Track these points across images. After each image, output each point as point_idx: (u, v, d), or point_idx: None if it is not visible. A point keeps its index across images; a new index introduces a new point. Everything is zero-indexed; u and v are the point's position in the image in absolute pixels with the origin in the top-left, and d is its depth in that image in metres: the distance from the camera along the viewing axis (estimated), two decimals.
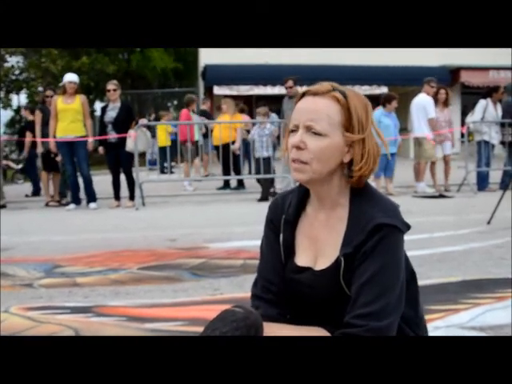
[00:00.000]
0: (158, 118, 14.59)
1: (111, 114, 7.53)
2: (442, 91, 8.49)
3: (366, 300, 1.24)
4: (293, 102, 6.14)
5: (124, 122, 7.50)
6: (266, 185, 8.01)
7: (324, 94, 1.31)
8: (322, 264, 1.35)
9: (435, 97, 8.38)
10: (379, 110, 8.41)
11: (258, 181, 8.27)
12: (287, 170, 8.18)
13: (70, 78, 7.43)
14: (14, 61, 20.30)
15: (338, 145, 1.30)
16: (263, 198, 7.77)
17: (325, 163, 1.30)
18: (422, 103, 8.25)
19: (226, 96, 12.63)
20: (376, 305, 1.23)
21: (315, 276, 1.35)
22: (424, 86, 8.40)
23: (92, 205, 7.43)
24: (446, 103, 8.57)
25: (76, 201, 7.60)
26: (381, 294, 1.24)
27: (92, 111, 16.63)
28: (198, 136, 9.47)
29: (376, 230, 1.26)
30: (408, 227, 1.32)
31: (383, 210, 1.30)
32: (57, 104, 7.33)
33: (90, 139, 7.51)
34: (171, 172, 9.64)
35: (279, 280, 1.42)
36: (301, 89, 10.46)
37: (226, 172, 9.14)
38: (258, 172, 8.14)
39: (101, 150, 7.79)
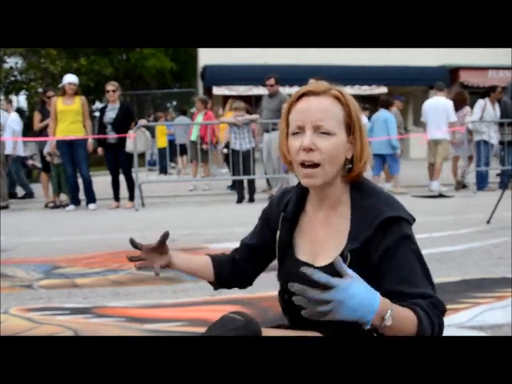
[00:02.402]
0: (156, 120, 14.59)
1: (110, 114, 7.53)
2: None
3: (417, 290, 1.25)
4: (273, 100, 6.12)
5: (123, 122, 7.49)
6: (241, 185, 7.85)
7: (325, 93, 1.31)
8: (322, 261, 1.34)
9: (463, 99, 8.70)
10: (385, 111, 8.48)
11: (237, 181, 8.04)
12: (279, 169, 8.15)
13: (70, 79, 7.43)
14: (12, 62, 20.30)
15: (343, 142, 1.31)
16: (240, 200, 7.70)
17: (335, 163, 1.31)
18: (445, 106, 8.43)
19: (225, 96, 12.63)
20: (426, 290, 1.27)
21: None
22: (444, 90, 8.75)
23: (91, 206, 7.43)
24: None
25: (75, 202, 7.60)
26: (425, 282, 1.29)
27: (91, 112, 16.62)
28: (195, 136, 9.46)
29: (385, 224, 1.26)
30: (413, 219, 1.33)
31: (387, 203, 1.30)
32: (56, 105, 7.33)
33: (90, 140, 7.51)
34: (170, 173, 9.66)
35: (246, 255, 1.56)
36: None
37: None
38: (236, 166, 7.85)
39: (100, 150, 7.79)
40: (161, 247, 1.45)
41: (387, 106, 8.69)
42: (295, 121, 1.31)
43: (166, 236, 1.42)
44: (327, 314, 1.03)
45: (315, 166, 1.28)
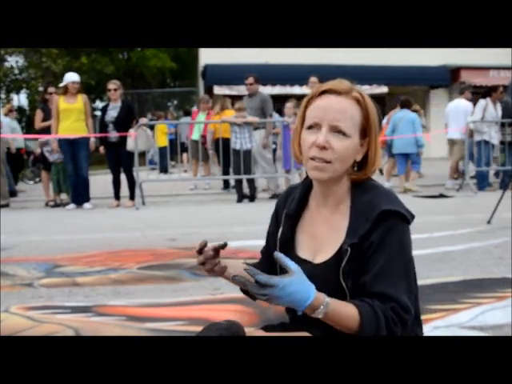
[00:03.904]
0: (156, 119, 14.59)
1: (112, 113, 7.52)
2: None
3: (385, 290, 1.25)
4: (253, 100, 6.16)
5: (125, 121, 7.48)
6: (240, 184, 7.81)
7: (346, 93, 1.31)
8: (322, 258, 1.35)
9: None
10: (409, 112, 8.69)
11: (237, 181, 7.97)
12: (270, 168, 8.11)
13: (73, 77, 7.42)
14: (13, 61, 20.30)
15: (356, 145, 1.32)
16: (239, 199, 7.69)
17: (345, 163, 1.32)
18: (465, 108, 8.98)
19: (225, 96, 12.63)
20: (391, 291, 1.25)
21: (314, 268, 1.35)
22: (465, 92, 9.55)
23: (87, 205, 7.41)
24: None
25: (76, 201, 7.59)
26: (397, 282, 1.26)
27: (92, 111, 16.61)
28: (197, 136, 9.44)
29: (381, 218, 1.27)
30: (412, 216, 1.33)
31: (385, 198, 1.31)
32: (59, 104, 7.31)
33: (92, 138, 7.51)
34: (170, 172, 9.65)
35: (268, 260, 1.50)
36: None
37: (225, 171, 9.03)
38: (237, 166, 7.77)
39: (101, 149, 7.79)
40: (217, 254, 1.44)
41: (409, 106, 8.86)
42: (313, 117, 1.32)
43: (224, 246, 1.42)
44: (265, 300, 1.17)
45: (326, 161, 1.29)
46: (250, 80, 8.08)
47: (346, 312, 1.23)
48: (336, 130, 1.29)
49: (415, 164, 8.70)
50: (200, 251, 1.42)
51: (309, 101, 1.35)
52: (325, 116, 1.29)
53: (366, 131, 1.33)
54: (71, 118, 7.31)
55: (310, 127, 1.32)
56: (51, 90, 8.21)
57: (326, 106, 1.30)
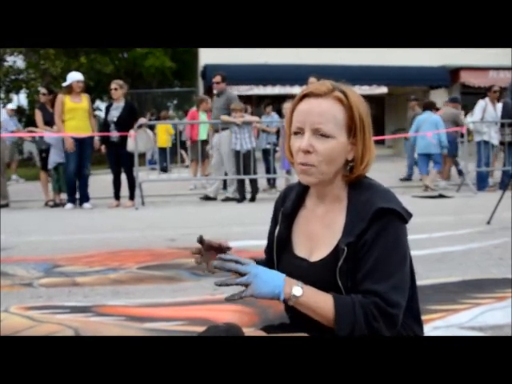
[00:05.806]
0: (158, 119, 14.49)
1: (114, 113, 7.52)
2: None
3: (371, 286, 1.24)
4: (220, 99, 6.16)
5: (127, 121, 7.48)
6: (241, 184, 7.80)
7: (326, 94, 1.31)
8: (318, 256, 1.36)
9: None
10: (432, 113, 8.83)
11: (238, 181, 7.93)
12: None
13: (77, 77, 7.43)
14: (12, 61, 20.28)
15: (343, 145, 1.32)
16: (241, 199, 7.68)
17: (332, 164, 1.31)
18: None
19: None
20: (377, 287, 1.23)
21: (311, 265, 1.35)
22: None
23: (86, 205, 7.41)
24: None
25: (73, 200, 7.56)
26: (385, 279, 1.24)
27: (92, 111, 16.55)
28: (205, 136, 9.39)
29: (377, 215, 1.26)
30: (409, 214, 1.31)
31: (382, 197, 1.30)
32: (64, 103, 7.32)
33: (97, 137, 7.53)
34: (169, 170, 9.62)
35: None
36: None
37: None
38: (237, 167, 7.75)
39: (103, 148, 7.79)
40: (220, 249, 1.44)
41: (432, 108, 9.07)
42: (296, 122, 1.33)
43: (228, 248, 1.43)
44: (246, 288, 1.23)
45: (312, 165, 1.30)
46: (217, 78, 7.86)
47: (321, 298, 1.25)
48: (319, 133, 1.29)
49: (437, 164, 8.84)
50: (200, 242, 1.46)
51: (294, 106, 1.35)
52: (306, 120, 1.30)
53: (352, 130, 1.32)
54: (77, 117, 7.34)
55: (295, 133, 1.33)
56: (43, 91, 8.22)
57: (307, 110, 1.31)
